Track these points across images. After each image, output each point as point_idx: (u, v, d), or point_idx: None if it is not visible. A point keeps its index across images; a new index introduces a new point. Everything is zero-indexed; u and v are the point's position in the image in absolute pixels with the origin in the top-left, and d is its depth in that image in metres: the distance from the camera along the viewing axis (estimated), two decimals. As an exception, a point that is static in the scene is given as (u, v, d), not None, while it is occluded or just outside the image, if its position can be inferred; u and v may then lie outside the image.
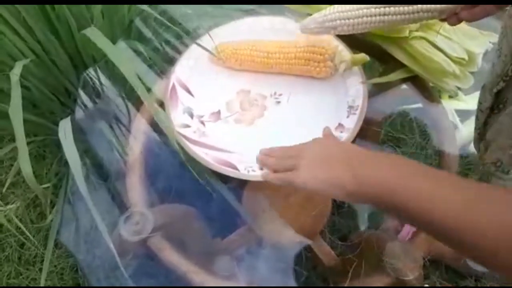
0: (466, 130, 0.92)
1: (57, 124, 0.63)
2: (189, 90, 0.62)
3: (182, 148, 0.54)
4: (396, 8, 0.48)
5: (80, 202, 0.63)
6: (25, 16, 0.78)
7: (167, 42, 0.77)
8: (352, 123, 0.55)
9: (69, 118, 0.64)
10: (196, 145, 0.55)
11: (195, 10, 0.80)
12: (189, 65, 0.63)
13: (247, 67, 0.62)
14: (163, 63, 0.74)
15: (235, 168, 0.53)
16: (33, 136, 0.92)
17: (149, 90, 0.65)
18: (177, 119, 0.58)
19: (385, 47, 0.62)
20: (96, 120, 0.72)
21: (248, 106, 0.60)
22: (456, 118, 0.96)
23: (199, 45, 0.61)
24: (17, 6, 0.78)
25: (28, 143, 0.81)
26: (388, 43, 0.62)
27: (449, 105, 0.94)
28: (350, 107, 0.57)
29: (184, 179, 0.60)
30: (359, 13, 0.50)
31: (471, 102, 0.97)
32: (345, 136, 0.54)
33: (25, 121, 0.58)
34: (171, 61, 0.72)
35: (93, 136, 0.70)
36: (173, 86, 0.61)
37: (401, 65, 0.62)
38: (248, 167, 0.52)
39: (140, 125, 0.64)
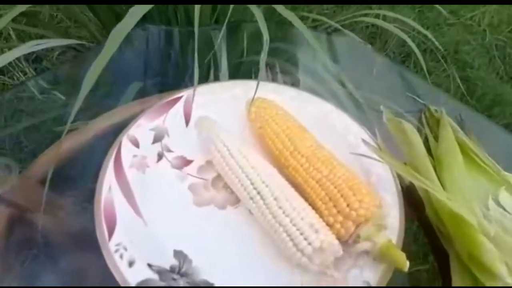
0: None
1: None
2: (189, 116, 0.45)
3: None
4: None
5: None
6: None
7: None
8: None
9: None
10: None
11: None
12: (211, 92, 0.47)
13: (264, 146, 0.43)
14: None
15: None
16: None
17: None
18: (139, 129, 0.43)
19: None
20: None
21: (221, 186, 0.41)
22: None
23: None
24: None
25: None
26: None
27: None
28: None
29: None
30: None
31: None
32: None
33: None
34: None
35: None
36: (178, 99, 0.46)
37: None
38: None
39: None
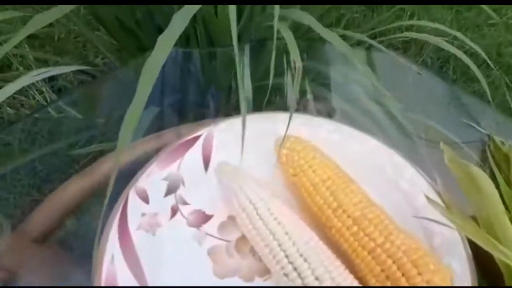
0: None
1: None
2: (208, 159, 0.38)
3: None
4: None
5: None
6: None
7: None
8: None
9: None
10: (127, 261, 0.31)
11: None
12: (233, 130, 0.40)
13: (299, 197, 0.36)
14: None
15: None
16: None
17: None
18: (150, 179, 0.36)
19: None
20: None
21: (247, 250, 0.34)
22: None
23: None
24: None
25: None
26: None
27: None
28: None
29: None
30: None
31: None
32: None
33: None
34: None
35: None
36: (196, 139, 0.39)
37: None
38: None
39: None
